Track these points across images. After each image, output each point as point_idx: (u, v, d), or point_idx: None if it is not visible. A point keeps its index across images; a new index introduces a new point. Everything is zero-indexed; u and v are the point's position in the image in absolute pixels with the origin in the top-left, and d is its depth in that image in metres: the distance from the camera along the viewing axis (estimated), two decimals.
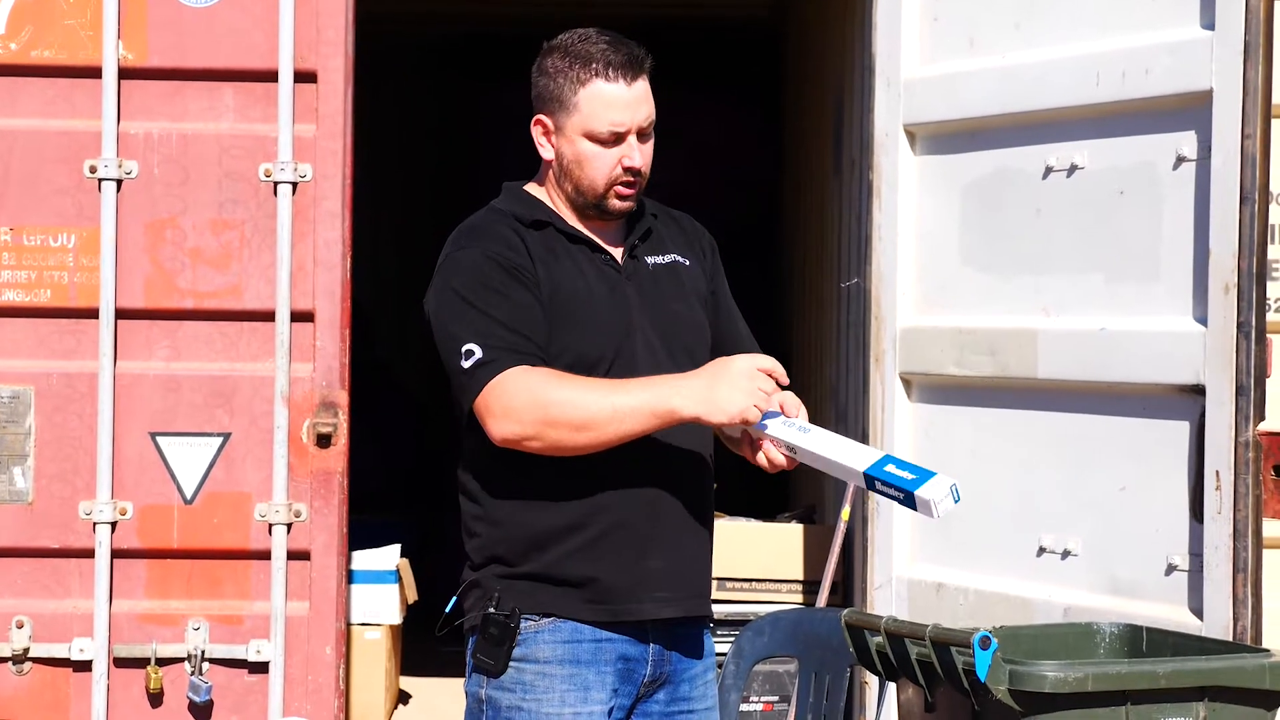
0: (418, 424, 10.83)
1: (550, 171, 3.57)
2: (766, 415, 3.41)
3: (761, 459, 3.49)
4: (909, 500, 3.32)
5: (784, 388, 3.47)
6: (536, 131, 3.56)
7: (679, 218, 3.73)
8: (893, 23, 5.16)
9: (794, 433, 3.42)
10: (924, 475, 3.33)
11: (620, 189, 3.50)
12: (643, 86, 3.49)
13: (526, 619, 3.44)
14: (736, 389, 3.36)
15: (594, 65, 3.46)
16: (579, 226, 3.55)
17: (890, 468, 3.35)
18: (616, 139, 3.48)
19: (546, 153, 3.56)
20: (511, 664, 3.43)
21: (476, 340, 3.39)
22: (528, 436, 3.36)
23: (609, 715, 3.46)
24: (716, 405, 3.36)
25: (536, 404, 3.34)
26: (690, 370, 3.53)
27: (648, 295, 3.55)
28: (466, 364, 3.39)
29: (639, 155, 3.49)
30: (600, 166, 3.49)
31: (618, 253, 3.57)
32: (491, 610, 3.44)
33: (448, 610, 3.59)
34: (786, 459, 3.45)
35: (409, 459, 10.62)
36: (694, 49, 11.13)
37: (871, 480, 3.35)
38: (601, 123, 3.47)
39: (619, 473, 3.41)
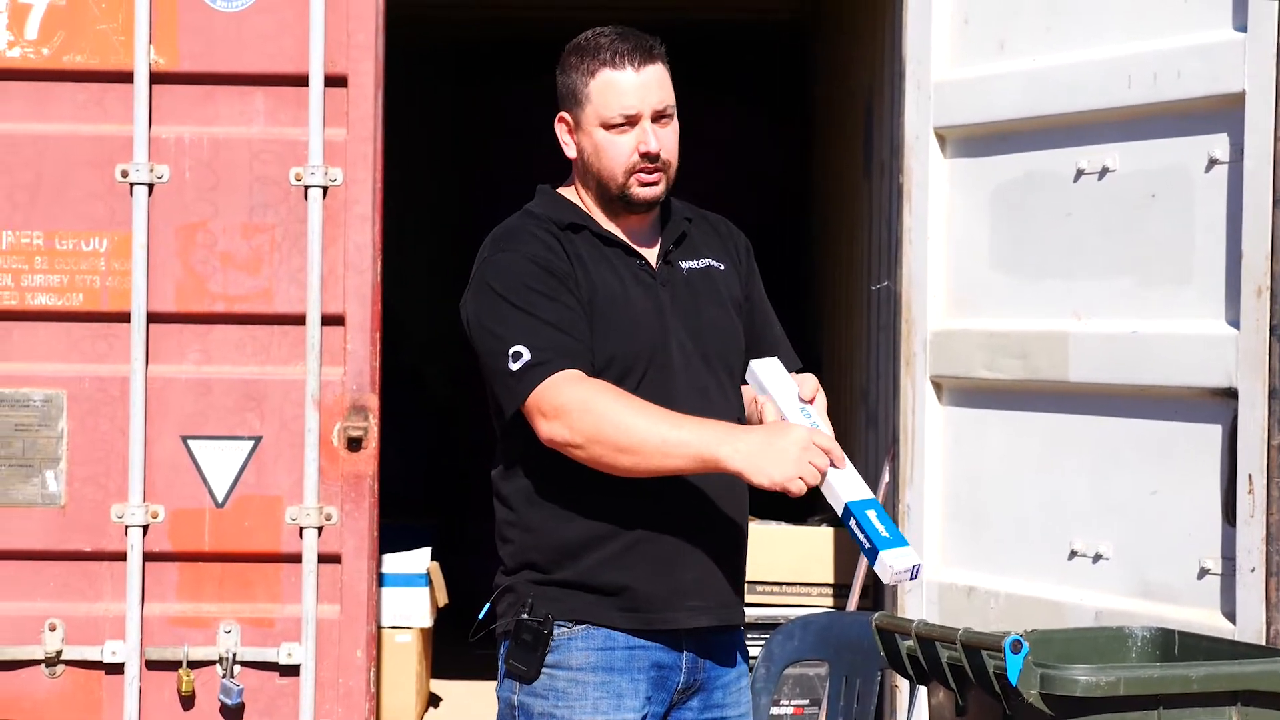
0: (442, 428, 10.84)
1: (576, 170, 3.58)
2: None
3: None
4: (871, 553, 3.30)
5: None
6: (560, 130, 3.56)
7: (714, 221, 3.72)
8: (923, 25, 5.16)
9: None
10: (897, 540, 3.30)
11: (641, 175, 3.49)
12: (653, 72, 3.49)
13: (560, 625, 3.43)
14: (788, 458, 3.29)
15: (602, 55, 3.48)
16: (613, 229, 3.55)
17: (872, 514, 3.31)
18: (630, 123, 3.47)
19: (570, 151, 3.56)
20: (544, 670, 3.42)
21: (525, 342, 3.38)
22: (573, 443, 3.35)
23: None
24: (763, 468, 3.28)
25: (588, 414, 3.32)
26: (722, 375, 3.53)
27: (682, 301, 3.54)
28: (515, 365, 3.37)
29: (654, 139, 3.47)
30: (617, 154, 3.49)
31: (651, 255, 3.57)
32: (525, 616, 3.43)
33: (481, 616, 3.59)
34: None
35: (433, 462, 10.63)
36: (718, 51, 11.12)
37: (849, 514, 3.32)
38: (612, 109, 3.47)
39: (653, 481, 3.39)
